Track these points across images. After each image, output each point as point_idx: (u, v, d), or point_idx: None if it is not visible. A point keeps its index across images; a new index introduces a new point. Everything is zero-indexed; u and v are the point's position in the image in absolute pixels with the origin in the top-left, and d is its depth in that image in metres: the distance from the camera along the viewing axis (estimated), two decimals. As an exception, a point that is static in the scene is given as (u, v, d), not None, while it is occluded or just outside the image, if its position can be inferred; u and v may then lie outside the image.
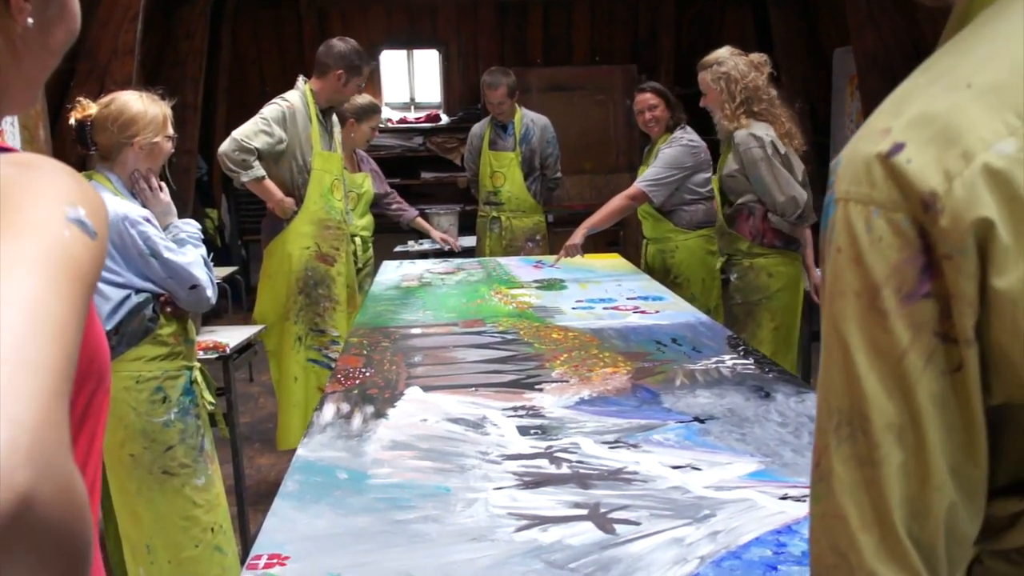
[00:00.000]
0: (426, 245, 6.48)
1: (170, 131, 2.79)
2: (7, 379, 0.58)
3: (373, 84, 8.78)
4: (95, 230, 0.75)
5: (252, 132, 4.11)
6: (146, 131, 2.71)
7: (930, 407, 0.78)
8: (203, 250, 2.82)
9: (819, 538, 0.85)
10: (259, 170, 4.12)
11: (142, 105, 2.74)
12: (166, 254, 2.63)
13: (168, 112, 2.80)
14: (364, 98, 4.91)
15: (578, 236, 4.45)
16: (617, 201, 4.49)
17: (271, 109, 4.22)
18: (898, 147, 0.77)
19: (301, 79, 4.42)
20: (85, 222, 0.74)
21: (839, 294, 0.81)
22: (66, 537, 0.60)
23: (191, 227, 2.85)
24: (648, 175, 4.43)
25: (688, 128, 4.54)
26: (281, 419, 4.36)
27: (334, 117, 4.52)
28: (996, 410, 0.80)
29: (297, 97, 4.29)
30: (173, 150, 2.83)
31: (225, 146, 4.09)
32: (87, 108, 2.72)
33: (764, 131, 3.73)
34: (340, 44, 4.36)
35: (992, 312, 0.75)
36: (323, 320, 4.32)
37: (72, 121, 2.72)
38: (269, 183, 4.18)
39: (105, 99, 2.75)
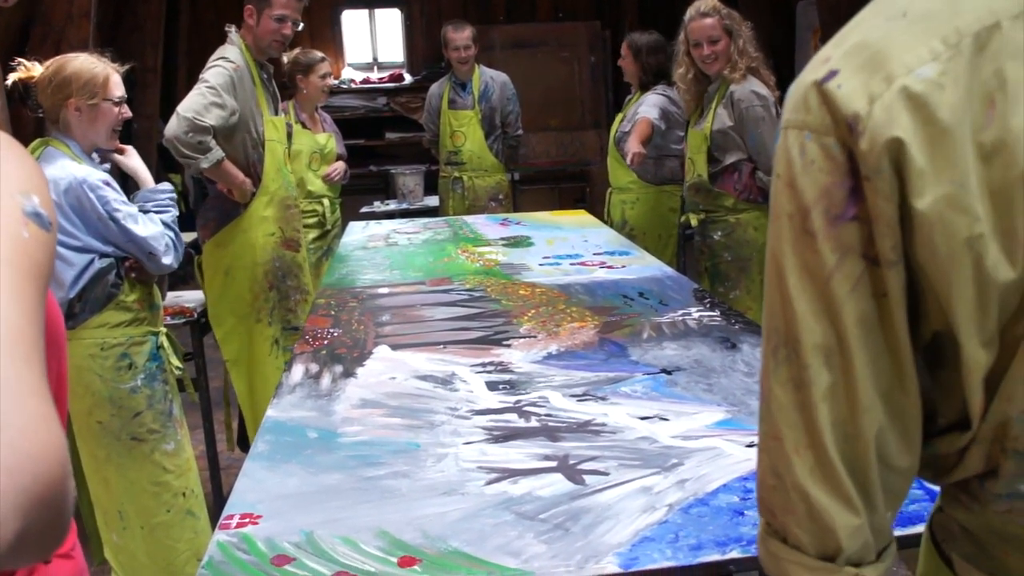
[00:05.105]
0: (392, 205, 6.46)
1: (114, 93, 2.67)
2: None
3: (335, 45, 8.68)
4: (49, 219, 0.75)
5: (203, 107, 3.39)
6: (81, 92, 2.61)
7: (856, 330, 0.79)
8: (170, 215, 2.79)
9: (762, 459, 0.88)
10: (218, 151, 3.46)
11: (79, 65, 2.63)
12: (124, 221, 2.60)
13: (110, 73, 2.67)
14: (303, 52, 4.79)
15: (639, 146, 4.13)
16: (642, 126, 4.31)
17: (216, 73, 3.50)
18: (832, 73, 0.78)
19: (233, 30, 3.70)
20: (40, 213, 0.73)
21: (775, 218, 0.83)
22: (53, 534, 0.62)
23: (161, 194, 2.81)
24: (648, 111, 4.36)
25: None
26: (255, 430, 3.54)
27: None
28: (935, 345, 0.82)
29: (237, 55, 3.61)
30: (125, 114, 2.73)
31: (174, 128, 3.37)
32: (30, 70, 2.64)
33: (764, 89, 3.64)
34: None
35: (914, 233, 0.76)
36: (295, 316, 3.77)
37: (9, 82, 2.64)
38: (229, 164, 3.54)
39: (50, 61, 2.67)
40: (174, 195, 2.86)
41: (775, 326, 0.84)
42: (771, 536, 0.89)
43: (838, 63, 0.79)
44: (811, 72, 0.81)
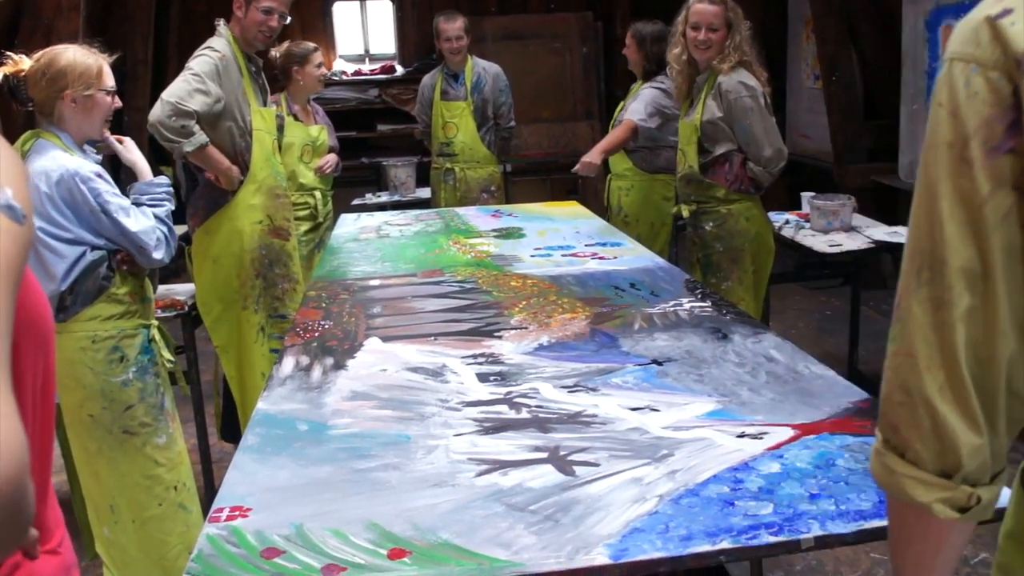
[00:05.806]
0: (384, 197, 6.44)
1: (107, 84, 2.68)
2: None
3: (326, 37, 8.66)
4: (23, 212, 0.73)
5: (186, 92, 3.43)
6: (77, 84, 2.61)
7: (1002, 257, 0.84)
8: (164, 209, 2.78)
9: (891, 377, 0.92)
10: (202, 136, 3.47)
11: (72, 56, 2.63)
12: (115, 214, 2.59)
13: (103, 64, 2.68)
14: (295, 44, 4.79)
15: (596, 156, 4.49)
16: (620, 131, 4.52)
17: (201, 62, 3.53)
18: (1007, 11, 0.82)
19: (221, 23, 3.71)
20: (13, 207, 0.72)
21: (933, 145, 0.87)
22: (13, 531, 0.62)
23: (157, 188, 2.80)
24: (636, 110, 4.43)
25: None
26: (244, 417, 3.72)
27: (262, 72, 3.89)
28: None
29: (224, 45, 3.63)
30: (116, 104, 2.73)
31: (157, 112, 3.40)
32: (19, 63, 2.63)
33: (752, 80, 3.63)
34: None
35: None
36: (283, 304, 3.80)
37: (0, 76, 2.61)
38: (214, 150, 3.56)
39: (39, 54, 2.66)
40: (171, 189, 2.85)
41: (921, 247, 0.88)
42: (889, 451, 0.93)
43: (1014, 2, 0.82)
44: (985, 8, 0.85)
